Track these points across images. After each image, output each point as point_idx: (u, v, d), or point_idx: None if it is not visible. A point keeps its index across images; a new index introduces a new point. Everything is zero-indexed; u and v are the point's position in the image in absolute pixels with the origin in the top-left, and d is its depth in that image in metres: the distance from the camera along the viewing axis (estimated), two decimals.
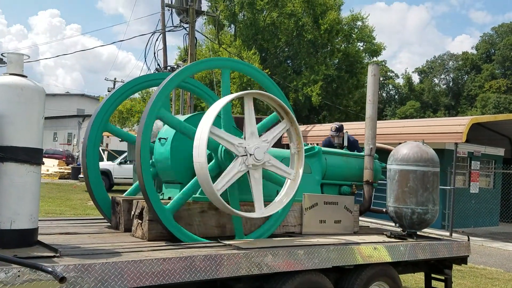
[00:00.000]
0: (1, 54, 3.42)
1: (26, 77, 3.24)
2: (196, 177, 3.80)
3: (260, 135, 3.99)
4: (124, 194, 4.87)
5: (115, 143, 27.77)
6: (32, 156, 3.12)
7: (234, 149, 3.80)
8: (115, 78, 40.18)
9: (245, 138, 3.87)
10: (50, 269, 2.44)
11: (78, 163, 31.04)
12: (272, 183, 4.31)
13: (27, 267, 2.49)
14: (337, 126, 6.94)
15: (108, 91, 41.99)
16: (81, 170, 22.38)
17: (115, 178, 19.90)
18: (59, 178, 26.13)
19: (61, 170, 27.11)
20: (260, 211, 3.91)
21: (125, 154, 19.12)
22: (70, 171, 26.94)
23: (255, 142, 3.87)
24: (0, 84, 3.09)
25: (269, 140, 3.98)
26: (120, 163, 20.09)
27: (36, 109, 3.20)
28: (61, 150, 38.23)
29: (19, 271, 2.52)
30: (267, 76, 4.60)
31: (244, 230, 4.23)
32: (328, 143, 7.08)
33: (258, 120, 4.14)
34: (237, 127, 4.45)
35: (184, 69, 4.03)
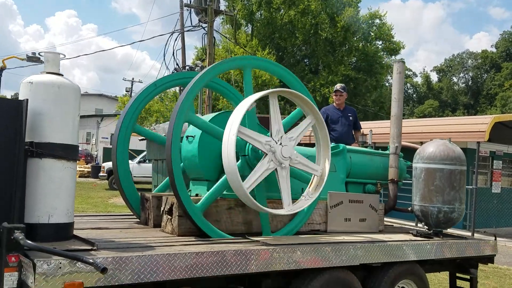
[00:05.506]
0: (38, 53, 3.53)
1: (62, 75, 3.33)
2: (224, 175, 3.85)
3: (285, 132, 4.02)
4: (154, 191, 4.96)
5: (134, 142, 27.98)
6: (68, 152, 3.21)
7: (261, 147, 3.84)
8: (132, 78, 40.62)
9: (271, 136, 3.90)
10: (91, 260, 2.51)
11: (97, 162, 31.48)
12: (298, 180, 4.34)
13: (70, 258, 2.57)
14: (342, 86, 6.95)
15: (127, 91, 42.43)
16: (101, 168, 22.82)
17: (134, 176, 19.99)
18: (80, 177, 26.51)
19: (81, 169, 27.52)
20: (289, 207, 3.94)
21: (144, 153, 19.30)
22: (90, 169, 27.35)
23: (281, 139, 3.90)
24: (38, 82, 3.19)
25: (295, 137, 4.01)
26: (139, 162, 20.30)
27: (72, 106, 3.28)
28: (80, 149, 38.81)
29: (60, 263, 2.60)
30: (291, 73, 4.60)
31: (271, 227, 4.26)
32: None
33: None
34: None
35: (210, 69, 4.06)
